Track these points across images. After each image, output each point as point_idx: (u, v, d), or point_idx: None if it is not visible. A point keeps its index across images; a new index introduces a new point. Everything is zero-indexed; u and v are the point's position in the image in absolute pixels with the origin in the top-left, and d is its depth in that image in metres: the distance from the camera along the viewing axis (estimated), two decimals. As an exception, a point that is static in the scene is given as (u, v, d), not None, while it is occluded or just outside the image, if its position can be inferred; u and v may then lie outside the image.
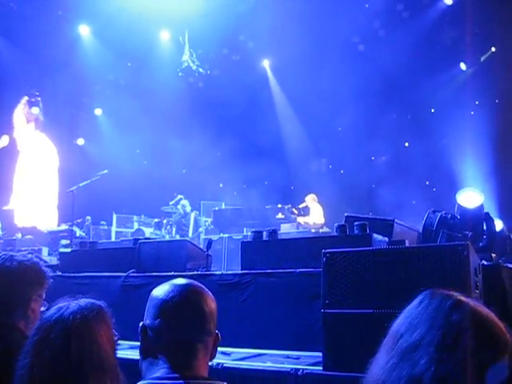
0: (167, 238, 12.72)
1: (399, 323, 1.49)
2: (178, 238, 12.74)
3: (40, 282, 2.66)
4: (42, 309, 2.68)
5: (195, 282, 1.89)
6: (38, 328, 2.00)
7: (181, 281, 1.87)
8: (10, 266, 2.56)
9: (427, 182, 14.40)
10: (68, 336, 1.91)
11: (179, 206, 13.95)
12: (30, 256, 2.67)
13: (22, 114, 15.85)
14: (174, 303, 1.78)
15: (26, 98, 15.90)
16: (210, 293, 1.89)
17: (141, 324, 1.83)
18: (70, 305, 2.02)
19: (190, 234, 13.24)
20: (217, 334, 1.84)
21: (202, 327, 1.79)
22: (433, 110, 14.79)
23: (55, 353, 1.89)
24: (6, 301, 2.54)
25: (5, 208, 14.54)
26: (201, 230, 13.55)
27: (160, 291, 1.83)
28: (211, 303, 1.85)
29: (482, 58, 14.12)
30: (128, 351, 3.64)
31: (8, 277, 2.55)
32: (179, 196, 14.34)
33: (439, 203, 9.85)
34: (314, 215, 13.37)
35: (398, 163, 14.62)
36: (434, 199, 12.48)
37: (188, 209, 13.90)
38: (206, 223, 14.31)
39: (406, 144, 15.23)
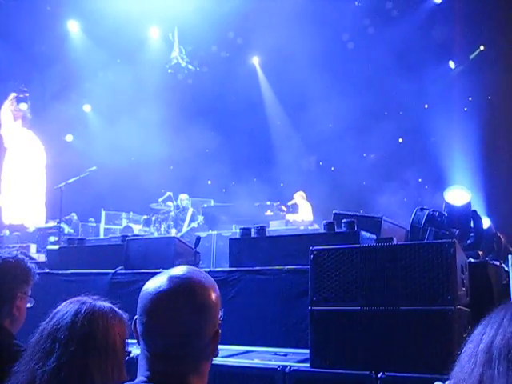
0: (156, 235, 12.67)
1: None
2: (170, 233, 12.77)
3: (25, 279, 2.64)
4: (28, 305, 2.67)
5: (195, 272, 1.65)
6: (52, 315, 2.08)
7: (177, 271, 1.62)
8: None
9: (420, 180, 14.41)
10: (77, 315, 2.02)
11: (179, 201, 13.82)
12: (14, 253, 2.65)
13: (9, 111, 15.73)
14: (156, 310, 1.56)
15: (13, 94, 15.79)
16: (212, 281, 1.67)
17: (134, 318, 1.64)
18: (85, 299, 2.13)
19: (185, 229, 13.09)
20: (216, 331, 1.62)
21: (192, 338, 1.56)
22: (426, 106, 14.75)
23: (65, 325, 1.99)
24: None
25: None
26: (194, 224, 13.37)
27: (147, 287, 1.61)
28: (206, 300, 1.59)
29: (471, 56, 14.19)
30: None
31: None
32: (168, 193, 14.30)
33: (430, 201, 9.89)
34: (302, 212, 13.39)
35: (390, 160, 14.65)
36: (425, 196, 12.52)
37: (185, 203, 13.77)
38: (199, 219, 14.20)
39: (400, 140, 15.20)
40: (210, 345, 1.61)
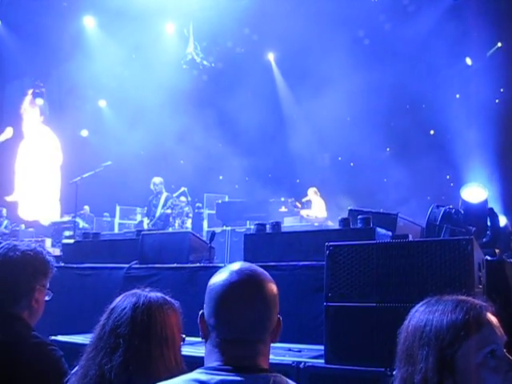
0: (170, 229, 12.69)
1: None
2: (184, 228, 12.74)
3: (44, 271, 2.65)
4: (46, 298, 2.69)
5: (255, 267, 1.79)
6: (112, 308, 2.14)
7: (240, 266, 1.76)
8: (13, 256, 2.56)
9: (448, 176, 14.21)
10: (136, 309, 2.09)
11: (151, 185, 12.63)
12: (33, 245, 2.66)
13: (29, 107, 15.89)
14: (230, 299, 1.70)
15: (30, 90, 15.95)
16: (269, 276, 1.79)
17: (200, 312, 1.77)
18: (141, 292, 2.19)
19: (157, 214, 12.66)
20: (278, 318, 1.78)
21: (262, 324, 1.72)
22: (458, 96, 14.42)
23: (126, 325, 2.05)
24: (10, 291, 2.54)
25: (8, 200, 14.60)
26: (168, 211, 12.41)
27: (216, 281, 1.74)
28: (271, 291, 1.74)
29: (489, 53, 14.06)
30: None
31: (12, 267, 2.54)
32: (183, 188, 14.32)
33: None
34: (315, 208, 13.38)
35: (409, 156, 14.50)
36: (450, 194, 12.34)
37: (158, 187, 12.59)
38: (186, 209, 13.83)
39: (432, 132, 14.97)
40: (275, 330, 1.77)
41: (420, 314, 1.73)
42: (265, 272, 1.78)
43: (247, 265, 1.78)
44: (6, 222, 13.50)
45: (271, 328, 1.74)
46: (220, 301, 1.70)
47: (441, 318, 1.65)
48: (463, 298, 1.70)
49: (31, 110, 15.96)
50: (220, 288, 1.71)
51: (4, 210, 13.75)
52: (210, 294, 1.74)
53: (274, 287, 1.76)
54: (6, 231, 12.52)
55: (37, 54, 15.49)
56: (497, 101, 13.14)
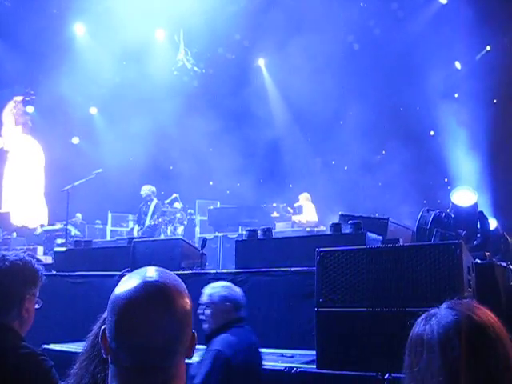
0: (162, 236, 12.69)
1: None
2: (176, 234, 12.74)
3: (33, 280, 2.65)
4: (36, 306, 2.69)
5: (168, 276, 1.48)
6: None
7: (151, 275, 1.46)
8: (2, 266, 2.55)
9: (446, 179, 14.23)
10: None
11: (142, 192, 12.63)
12: (22, 255, 2.66)
13: (12, 115, 15.88)
14: (132, 319, 1.39)
15: (16, 98, 15.94)
16: (183, 284, 1.50)
17: (102, 328, 1.47)
18: None
19: (147, 222, 12.51)
20: (193, 333, 1.48)
21: (173, 348, 1.42)
22: (457, 95, 14.38)
23: None
24: (0, 301, 2.54)
25: (1, 212, 14.57)
26: (160, 219, 12.39)
27: (120, 292, 1.44)
28: (183, 307, 1.44)
29: (477, 57, 14.16)
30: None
31: (1, 277, 2.54)
32: (174, 195, 14.32)
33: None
34: (306, 214, 13.40)
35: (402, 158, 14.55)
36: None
37: (148, 195, 12.57)
38: (178, 215, 13.83)
39: (432, 133, 14.96)
40: (190, 347, 1.48)
41: (421, 322, 1.75)
42: (178, 282, 1.49)
43: (158, 273, 1.47)
44: None
45: (185, 348, 1.46)
46: (121, 320, 1.40)
47: (439, 323, 1.68)
48: (457, 301, 1.75)
49: (13, 118, 15.98)
50: (122, 302, 1.41)
51: None
52: (112, 309, 1.44)
53: (187, 302, 1.46)
54: None
55: (27, 61, 15.44)
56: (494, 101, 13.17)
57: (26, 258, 2.65)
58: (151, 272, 1.47)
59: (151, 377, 1.40)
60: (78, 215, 15.11)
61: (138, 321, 1.38)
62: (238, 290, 3.72)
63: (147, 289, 1.41)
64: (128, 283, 1.44)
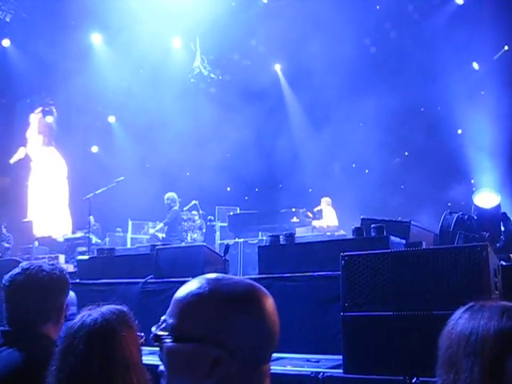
0: (183, 244, 12.75)
1: None
2: (196, 241, 12.80)
3: (66, 290, 2.71)
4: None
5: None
6: (63, 337, 2.07)
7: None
8: (40, 277, 2.60)
9: (472, 181, 14.10)
10: (90, 339, 1.98)
11: (165, 200, 12.75)
12: (54, 265, 2.71)
13: (36, 125, 16.08)
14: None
15: (39, 108, 16.12)
16: None
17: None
18: (91, 312, 2.10)
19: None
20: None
21: None
22: (483, 92, 14.23)
23: (79, 357, 1.95)
24: (39, 311, 2.58)
25: (24, 220, 14.71)
26: (180, 227, 12.60)
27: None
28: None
29: (495, 57, 14.05)
30: (149, 356, 3.66)
31: (40, 288, 2.59)
32: (194, 201, 14.37)
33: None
34: (326, 218, 13.38)
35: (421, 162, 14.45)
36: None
37: (168, 203, 12.68)
38: (197, 222, 13.90)
39: (459, 131, 14.80)
40: None
41: (464, 321, 1.61)
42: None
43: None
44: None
45: None
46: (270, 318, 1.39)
47: (487, 325, 1.54)
48: (509, 304, 1.61)
49: (36, 129, 16.19)
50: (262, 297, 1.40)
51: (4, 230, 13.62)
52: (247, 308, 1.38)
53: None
54: (7, 245, 12.60)
55: (45, 72, 15.64)
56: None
57: (60, 267, 2.71)
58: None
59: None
60: (91, 218, 15.17)
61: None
62: None
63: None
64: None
